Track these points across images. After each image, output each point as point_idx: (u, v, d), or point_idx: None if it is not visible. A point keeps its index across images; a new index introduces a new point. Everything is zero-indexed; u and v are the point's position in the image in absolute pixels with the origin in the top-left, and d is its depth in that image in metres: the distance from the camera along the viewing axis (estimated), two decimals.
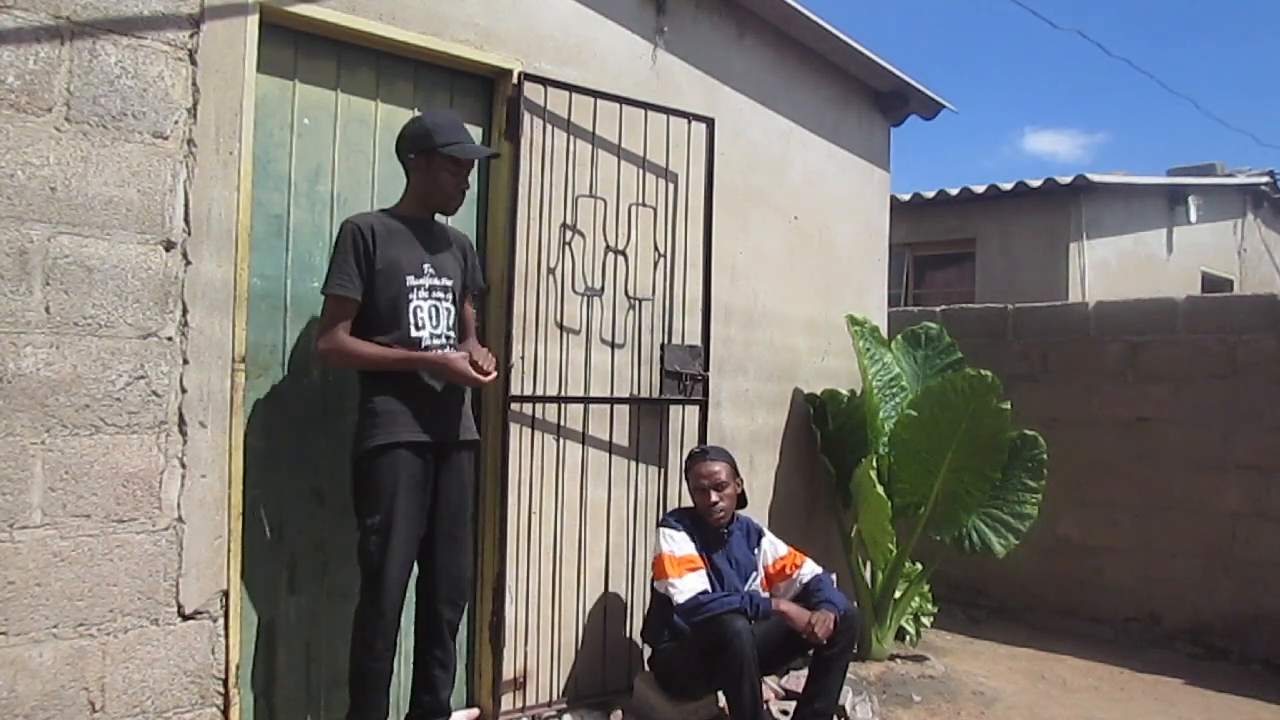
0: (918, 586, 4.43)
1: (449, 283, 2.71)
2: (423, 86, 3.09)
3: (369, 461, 2.58)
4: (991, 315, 5.62)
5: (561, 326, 3.39)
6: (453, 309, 2.74)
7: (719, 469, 3.31)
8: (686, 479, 3.41)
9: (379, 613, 2.58)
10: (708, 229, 3.72)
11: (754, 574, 3.39)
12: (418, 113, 3.01)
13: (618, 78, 3.56)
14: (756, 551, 3.44)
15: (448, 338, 2.70)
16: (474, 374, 2.59)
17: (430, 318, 2.66)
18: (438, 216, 2.81)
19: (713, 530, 3.32)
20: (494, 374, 2.65)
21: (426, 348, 2.64)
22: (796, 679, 3.64)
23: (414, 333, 2.62)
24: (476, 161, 2.85)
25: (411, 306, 2.62)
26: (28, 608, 2.26)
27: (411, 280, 2.62)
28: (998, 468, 4.11)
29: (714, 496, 3.28)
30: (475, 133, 3.21)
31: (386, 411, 2.58)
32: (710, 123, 3.74)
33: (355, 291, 2.56)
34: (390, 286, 2.59)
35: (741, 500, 3.46)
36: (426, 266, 2.66)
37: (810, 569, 3.43)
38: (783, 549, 3.48)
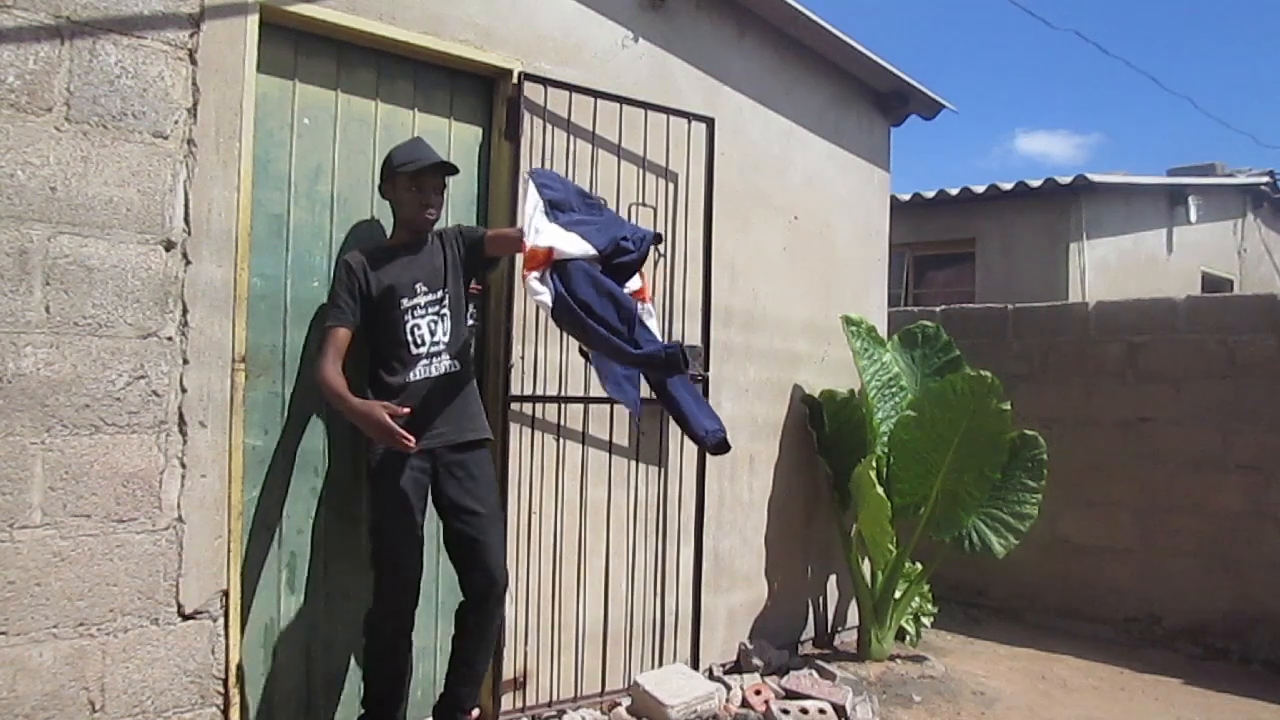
0: (918, 587, 4.43)
1: (442, 294, 2.79)
2: (423, 86, 3.09)
3: (373, 469, 2.72)
4: (991, 315, 5.62)
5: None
6: (449, 314, 2.80)
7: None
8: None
9: (386, 612, 2.71)
10: (708, 229, 3.72)
11: None
12: (418, 112, 3.07)
13: (618, 77, 3.55)
14: None
15: (445, 345, 2.77)
16: (398, 434, 2.48)
17: (429, 332, 2.76)
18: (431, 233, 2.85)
19: None
20: (410, 443, 2.50)
21: (425, 359, 2.73)
22: (796, 679, 3.65)
23: (414, 350, 2.73)
24: (447, 178, 2.85)
25: (409, 326, 2.73)
26: (28, 608, 2.26)
27: (406, 302, 2.74)
28: (998, 468, 4.11)
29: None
30: (475, 133, 3.23)
31: None
32: (710, 122, 3.74)
33: (343, 322, 2.67)
34: (389, 311, 2.72)
35: None
36: (419, 286, 2.77)
37: None
38: None
